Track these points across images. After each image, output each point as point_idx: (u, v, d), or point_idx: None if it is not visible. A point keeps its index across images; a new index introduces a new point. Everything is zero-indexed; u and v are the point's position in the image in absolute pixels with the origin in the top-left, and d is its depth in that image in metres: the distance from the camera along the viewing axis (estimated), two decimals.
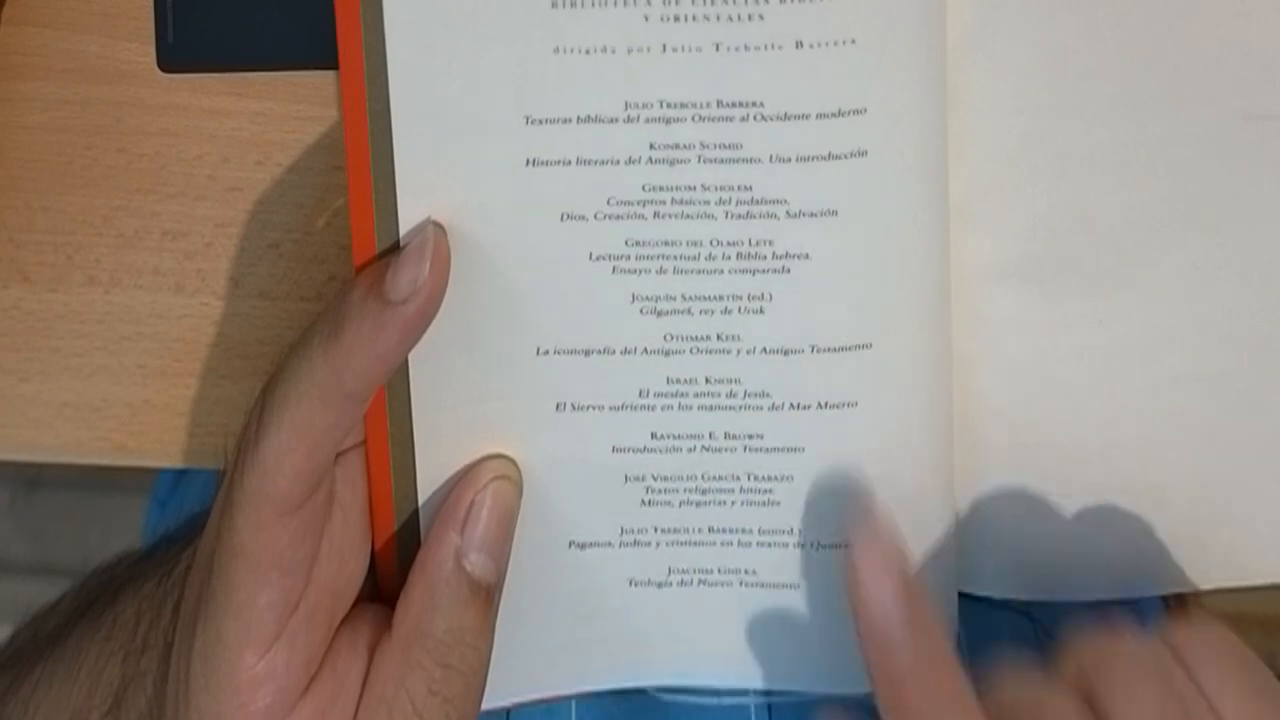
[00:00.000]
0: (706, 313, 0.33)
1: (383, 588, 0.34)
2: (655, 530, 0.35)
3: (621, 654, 0.36)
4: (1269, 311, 0.35)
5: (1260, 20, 0.33)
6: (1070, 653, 0.30)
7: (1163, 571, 0.36)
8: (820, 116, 0.31)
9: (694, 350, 0.33)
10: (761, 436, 0.34)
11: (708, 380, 0.34)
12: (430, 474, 0.33)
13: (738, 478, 0.34)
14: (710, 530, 0.35)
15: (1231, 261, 0.35)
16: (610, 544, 0.35)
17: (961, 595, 0.36)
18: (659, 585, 0.35)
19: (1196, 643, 0.30)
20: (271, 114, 0.36)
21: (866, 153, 0.32)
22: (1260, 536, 0.36)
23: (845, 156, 0.32)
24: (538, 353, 0.33)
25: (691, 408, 0.34)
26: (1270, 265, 0.35)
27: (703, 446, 0.34)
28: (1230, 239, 0.34)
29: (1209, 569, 0.36)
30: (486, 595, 0.32)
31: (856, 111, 0.31)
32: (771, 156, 0.32)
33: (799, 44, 0.31)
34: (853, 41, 0.31)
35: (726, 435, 0.34)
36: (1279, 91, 0.34)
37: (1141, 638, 0.30)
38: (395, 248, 0.31)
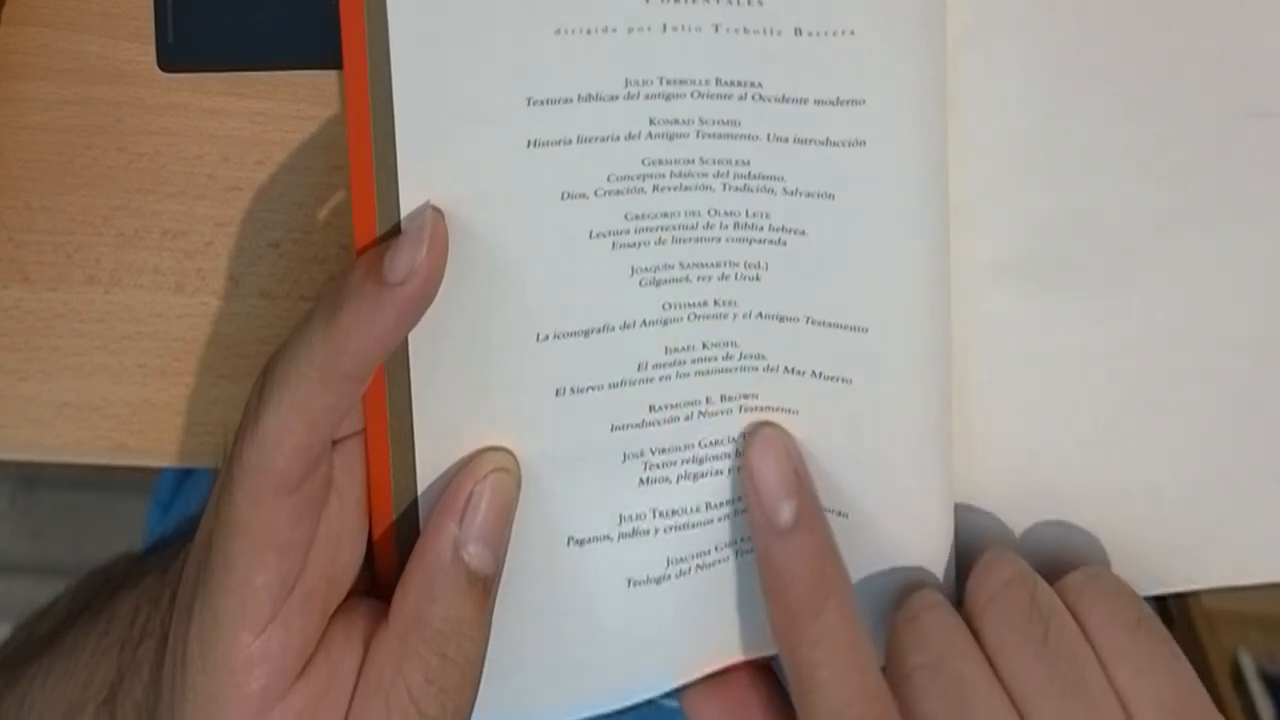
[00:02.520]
0: (704, 279, 0.33)
1: (380, 578, 0.34)
2: (653, 514, 0.35)
3: (623, 667, 0.36)
4: (1269, 311, 0.35)
5: (1260, 19, 0.33)
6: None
7: (1163, 571, 0.36)
8: (818, 103, 0.32)
9: (691, 317, 0.34)
10: (756, 396, 0.34)
11: (704, 345, 0.34)
12: (430, 464, 0.33)
13: (733, 439, 0.35)
14: (708, 507, 0.35)
15: (1231, 261, 0.35)
16: (609, 536, 0.35)
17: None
18: (657, 581, 0.35)
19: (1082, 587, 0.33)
20: (271, 114, 0.36)
21: (864, 143, 0.32)
22: (1260, 536, 0.36)
23: (842, 144, 0.32)
24: (538, 339, 0.33)
25: (689, 375, 0.34)
26: (1270, 264, 0.35)
27: (699, 412, 0.34)
28: (1230, 238, 0.34)
29: (1209, 568, 0.36)
30: (484, 586, 0.32)
31: (854, 102, 0.31)
32: (769, 135, 0.32)
33: (798, 31, 0.31)
34: (851, 33, 0.31)
35: (723, 398, 0.34)
36: (1278, 90, 0.34)
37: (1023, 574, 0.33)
38: (397, 233, 0.32)
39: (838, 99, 0.31)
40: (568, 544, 0.35)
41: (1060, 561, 0.36)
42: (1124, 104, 0.34)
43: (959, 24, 0.33)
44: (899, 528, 0.34)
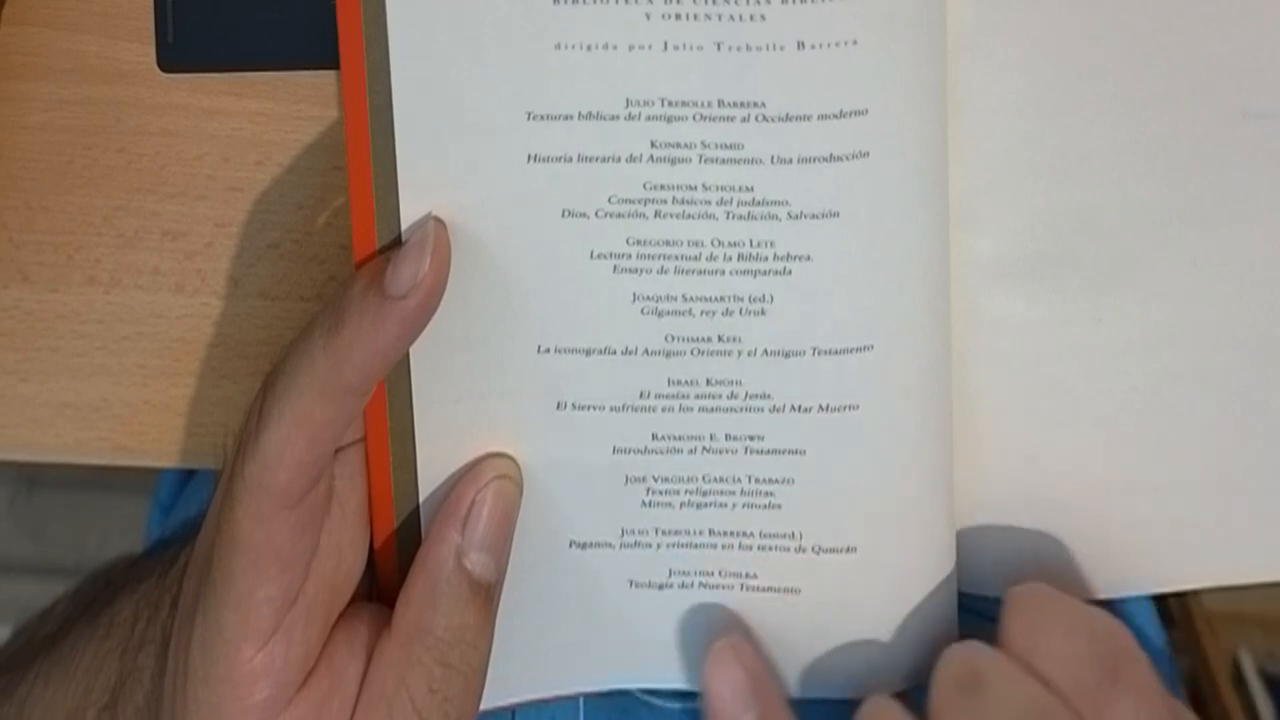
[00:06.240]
0: (708, 314, 0.33)
1: (382, 585, 0.34)
2: (656, 532, 0.35)
3: (621, 655, 0.36)
4: (1269, 310, 0.35)
5: (1260, 19, 0.33)
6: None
7: (1163, 570, 0.36)
8: (822, 118, 0.31)
9: (695, 352, 0.33)
10: (762, 438, 0.34)
11: (709, 382, 0.34)
12: (431, 472, 0.33)
13: (738, 479, 0.34)
14: (711, 533, 0.35)
15: (1231, 260, 0.35)
16: (611, 545, 0.35)
17: (961, 595, 0.36)
18: (660, 587, 0.35)
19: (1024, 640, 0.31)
20: (271, 114, 0.36)
21: (868, 154, 0.32)
22: (1260, 535, 0.36)
23: (847, 158, 0.32)
24: (538, 350, 0.33)
25: (692, 409, 0.34)
26: (1270, 264, 0.35)
27: (703, 448, 0.34)
28: (1230, 238, 0.34)
29: (1209, 567, 0.36)
30: (487, 594, 0.32)
31: (858, 113, 0.31)
32: (773, 157, 0.32)
33: (801, 45, 0.31)
34: (854, 43, 0.31)
35: (727, 437, 0.34)
36: (1278, 90, 0.34)
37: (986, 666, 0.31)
38: (396, 244, 0.32)
39: (841, 111, 0.31)
40: (569, 546, 0.35)
41: (1059, 562, 0.36)
42: (1124, 104, 0.34)
43: (959, 25, 0.33)
44: (905, 546, 0.34)
